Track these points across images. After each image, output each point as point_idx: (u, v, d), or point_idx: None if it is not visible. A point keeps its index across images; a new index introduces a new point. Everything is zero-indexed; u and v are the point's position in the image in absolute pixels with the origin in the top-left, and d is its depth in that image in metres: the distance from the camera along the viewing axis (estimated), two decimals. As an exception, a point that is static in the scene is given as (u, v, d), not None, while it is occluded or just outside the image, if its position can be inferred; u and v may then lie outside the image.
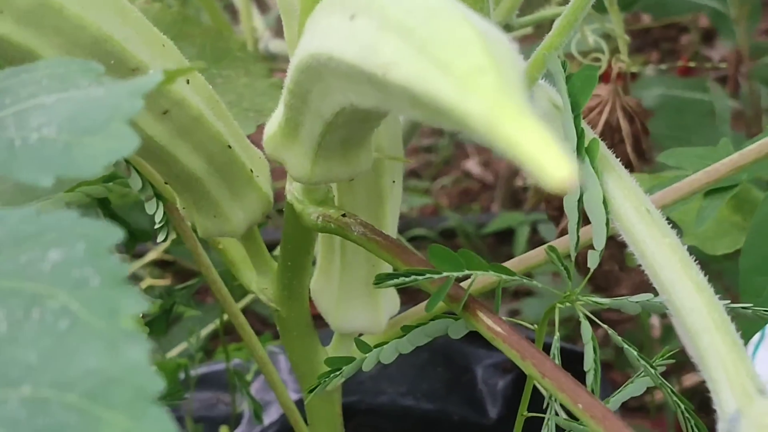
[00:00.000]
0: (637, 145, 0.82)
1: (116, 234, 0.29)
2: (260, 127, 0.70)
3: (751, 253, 0.67)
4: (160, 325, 0.75)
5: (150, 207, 0.61)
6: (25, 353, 0.27)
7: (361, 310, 0.60)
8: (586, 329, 0.47)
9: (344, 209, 0.54)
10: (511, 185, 1.75)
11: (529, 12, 0.82)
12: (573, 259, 0.48)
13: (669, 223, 0.48)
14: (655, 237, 0.46)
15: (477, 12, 0.33)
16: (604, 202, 0.47)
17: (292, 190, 0.55)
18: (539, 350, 0.45)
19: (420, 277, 0.48)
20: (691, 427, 0.50)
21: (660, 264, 0.45)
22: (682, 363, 1.00)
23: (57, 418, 0.26)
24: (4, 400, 0.26)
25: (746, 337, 0.48)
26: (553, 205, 0.85)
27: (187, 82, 0.49)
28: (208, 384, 0.98)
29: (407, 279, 0.48)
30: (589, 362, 0.47)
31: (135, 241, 0.77)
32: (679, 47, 2.06)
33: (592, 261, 0.48)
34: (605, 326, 0.50)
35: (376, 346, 0.54)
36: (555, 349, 0.48)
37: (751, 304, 0.51)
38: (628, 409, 1.23)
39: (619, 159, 0.50)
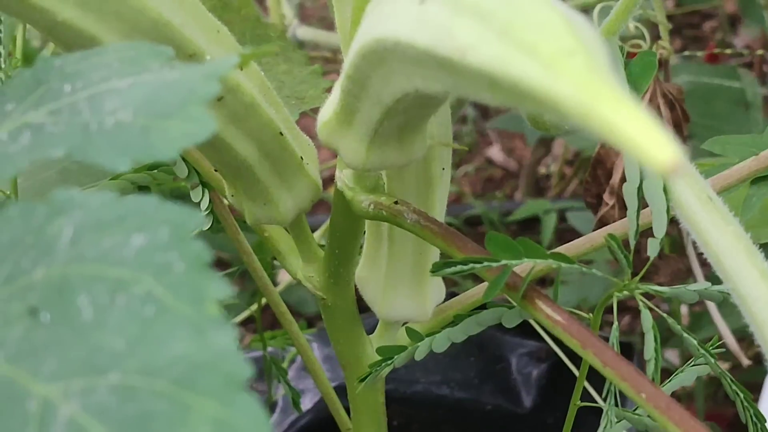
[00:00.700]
0: (679, 132, 0.82)
1: (199, 219, 0.29)
2: (302, 115, 0.70)
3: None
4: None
5: (195, 195, 0.61)
6: (112, 340, 0.27)
7: (408, 299, 0.59)
8: (646, 318, 0.47)
9: (394, 197, 0.53)
10: (534, 173, 1.74)
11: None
12: (632, 247, 0.48)
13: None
14: (719, 225, 0.45)
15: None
16: (665, 190, 0.47)
17: (343, 177, 0.54)
18: (600, 339, 0.44)
19: (478, 265, 0.47)
20: (751, 416, 0.49)
21: (724, 252, 0.45)
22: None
23: (146, 405, 0.26)
24: (92, 389, 0.26)
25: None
26: (591, 192, 0.84)
27: (241, 68, 0.49)
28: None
29: (465, 267, 0.47)
30: (650, 351, 0.47)
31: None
32: (702, 34, 2.05)
33: (652, 249, 0.47)
34: (664, 315, 0.49)
35: (427, 335, 0.54)
36: (614, 338, 0.47)
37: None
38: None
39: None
